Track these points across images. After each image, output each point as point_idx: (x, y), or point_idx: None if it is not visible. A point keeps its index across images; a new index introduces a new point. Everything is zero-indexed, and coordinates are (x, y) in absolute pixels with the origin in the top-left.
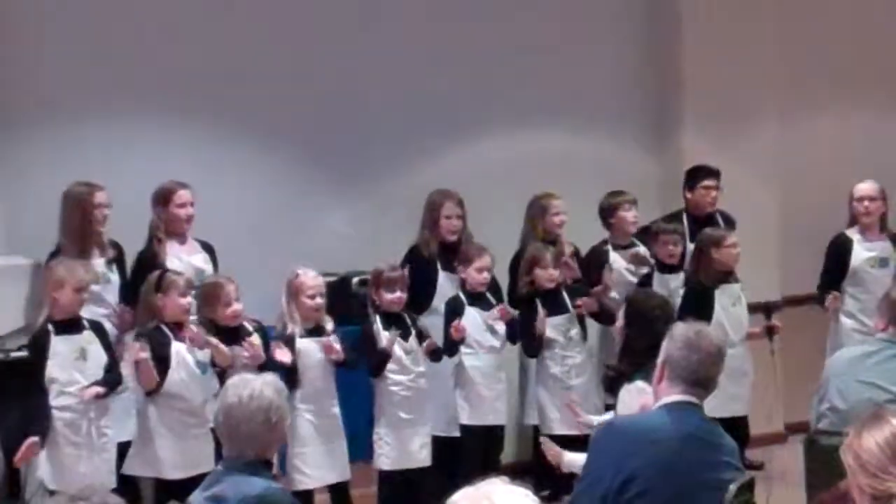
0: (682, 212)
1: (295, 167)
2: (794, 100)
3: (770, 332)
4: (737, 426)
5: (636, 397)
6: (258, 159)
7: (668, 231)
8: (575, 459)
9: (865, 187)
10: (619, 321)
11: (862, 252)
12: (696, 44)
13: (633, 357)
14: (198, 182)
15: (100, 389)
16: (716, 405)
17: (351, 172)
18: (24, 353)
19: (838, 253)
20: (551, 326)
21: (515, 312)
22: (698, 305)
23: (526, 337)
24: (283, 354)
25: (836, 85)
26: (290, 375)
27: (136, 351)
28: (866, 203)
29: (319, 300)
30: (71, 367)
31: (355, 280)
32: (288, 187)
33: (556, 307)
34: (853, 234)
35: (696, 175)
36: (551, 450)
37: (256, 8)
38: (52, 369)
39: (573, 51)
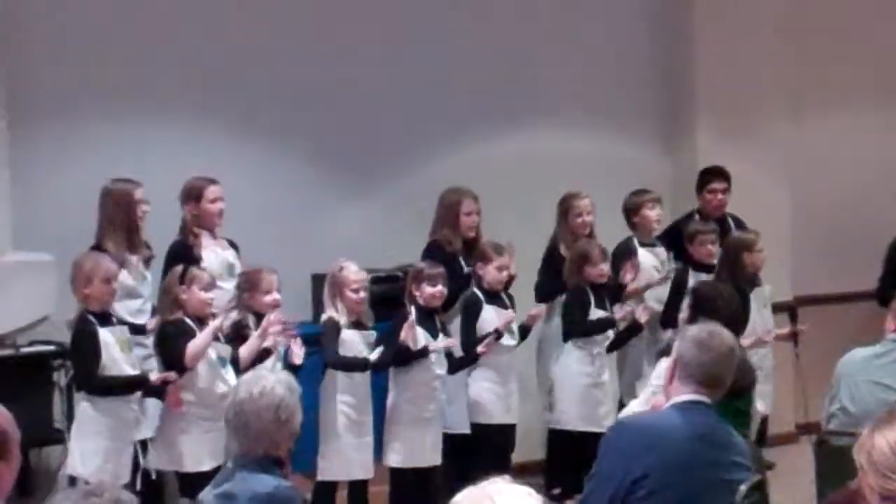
0: (695, 213)
1: (307, 166)
2: (807, 100)
3: (795, 336)
4: (760, 425)
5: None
6: (271, 159)
7: (706, 231)
8: None
9: None
10: (683, 314)
11: None
12: (710, 43)
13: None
14: (220, 180)
15: (171, 375)
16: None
17: (363, 172)
18: (36, 348)
19: None
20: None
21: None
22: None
23: (579, 319)
24: (297, 359)
25: (850, 85)
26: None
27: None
28: None
29: (363, 294)
30: (119, 358)
31: (370, 277)
32: (300, 186)
33: (600, 304)
34: None
35: (705, 178)
36: None
37: (270, 9)
38: (105, 362)
39: (588, 50)
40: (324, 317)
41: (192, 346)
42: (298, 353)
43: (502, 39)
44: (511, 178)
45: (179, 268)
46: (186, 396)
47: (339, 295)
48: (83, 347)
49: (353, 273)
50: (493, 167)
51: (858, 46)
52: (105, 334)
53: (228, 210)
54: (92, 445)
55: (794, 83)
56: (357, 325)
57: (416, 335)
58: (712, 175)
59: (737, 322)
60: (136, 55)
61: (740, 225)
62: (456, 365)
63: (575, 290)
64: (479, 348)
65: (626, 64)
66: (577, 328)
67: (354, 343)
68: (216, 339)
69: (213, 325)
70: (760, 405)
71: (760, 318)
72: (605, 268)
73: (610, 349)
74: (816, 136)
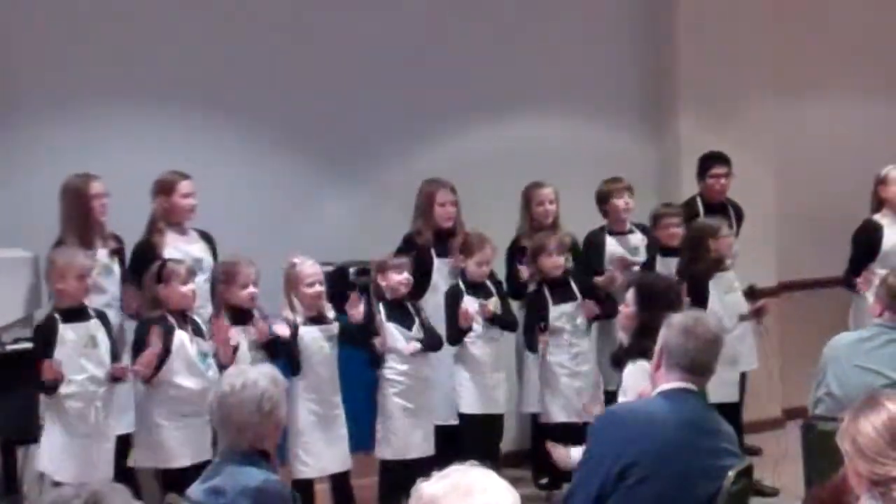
0: (696, 198)
1: (290, 158)
2: (790, 84)
3: (758, 313)
4: (729, 412)
5: (643, 375)
6: (254, 150)
7: (669, 214)
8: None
9: None
10: (630, 306)
11: (892, 236)
12: (691, 29)
13: (650, 337)
14: (195, 173)
15: (137, 368)
16: (713, 391)
17: (347, 162)
18: (20, 346)
19: (869, 239)
20: (559, 314)
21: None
22: (692, 294)
23: (529, 331)
24: (282, 329)
25: (833, 68)
26: (291, 359)
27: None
28: None
29: (319, 288)
30: (80, 354)
31: (352, 269)
32: (283, 178)
33: (564, 295)
34: (881, 218)
35: (706, 163)
36: (557, 452)
37: (248, 1)
38: (61, 358)
39: (568, 39)
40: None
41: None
42: (283, 328)
43: (482, 30)
44: (494, 169)
45: (156, 265)
46: (164, 392)
47: (294, 291)
48: (37, 347)
49: (308, 267)
50: (476, 158)
51: (841, 34)
52: (67, 332)
53: (208, 205)
54: (58, 443)
55: (778, 70)
56: (317, 319)
57: (360, 310)
58: (714, 160)
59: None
60: (111, 51)
61: (739, 212)
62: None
63: (531, 294)
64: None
65: (608, 52)
66: (530, 338)
67: (314, 339)
68: (198, 335)
69: (187, 344)
70: (722, 393)
71: (721, 305)
72: (561, 260)
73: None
74: (799, 120)
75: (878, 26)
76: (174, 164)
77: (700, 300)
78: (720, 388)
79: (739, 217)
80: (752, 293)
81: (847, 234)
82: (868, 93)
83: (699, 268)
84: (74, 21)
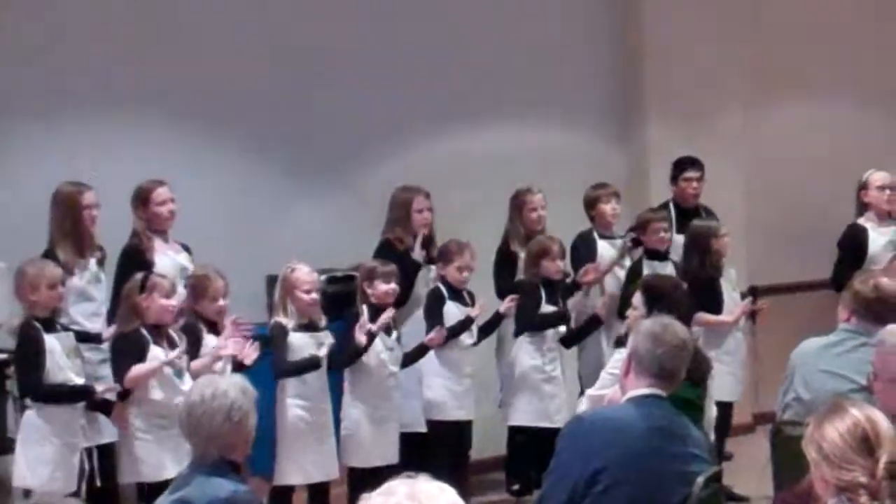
0: (669, 203)
1: (261, 167)
2: (759, 91)
3: (754, 314)
4: (726, 413)
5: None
6: (228, 159)
7: (658, 218)
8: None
9: (886, 176)
10: (638, 310)
11: (878, 238)
12: (662, 36)
13: None
14: (175, 183)
15: (115, 387)
16: (728, 388)
17: (321, 170)
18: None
19: (856, 243)
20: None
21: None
22: (707, 296)
23: (530, 315)
24: (248, 358)
25: (804, 75)
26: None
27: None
28: (888, 191)
29: (315, 295)
30: (66, 365)
31: (324, 277)
32: (257, 186)
33: (553, 299)
34: (865, 222)
35: (679, 167)
36: None
37: (227, 13)
38: (49, 369)
39: (540, 46)
40: (272, 321)
41: (136, 371)
42: (251, 354)
43: (455, 38)
44: (472, 175)
45: (140, 275)
46: (143, 408)
47: (290, 296)
48: (27, 354)
49: (305, 274)
50: (449, 165)
51: (812, 40)
52: (51, 341)
53: (183, 212)
54: (39, 454)
55: (748, 77)
56: (309, 326)
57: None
58: (687, 164)
59: (690, 312)
60: (91, 59)
61: (711, 215)
62: (408, 358)
63: (526, 284)
64: (427, 338)
65: (578, 58)
66: (527, 323)
67: (306, 346)
68: (173, 349)
69: (163, 359)
70: (729, 392)
71: (732, 301)
72: (563, 264)
73: (569, 344)
74: (768, 127)
75: (851, 34)
76: (151, 173)
77: (712, 301)
78: (734, 386)
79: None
80: (753, 293)
81: (817, 240)
82: (839, 99)
83: (707, 269)
84: (52, 32)
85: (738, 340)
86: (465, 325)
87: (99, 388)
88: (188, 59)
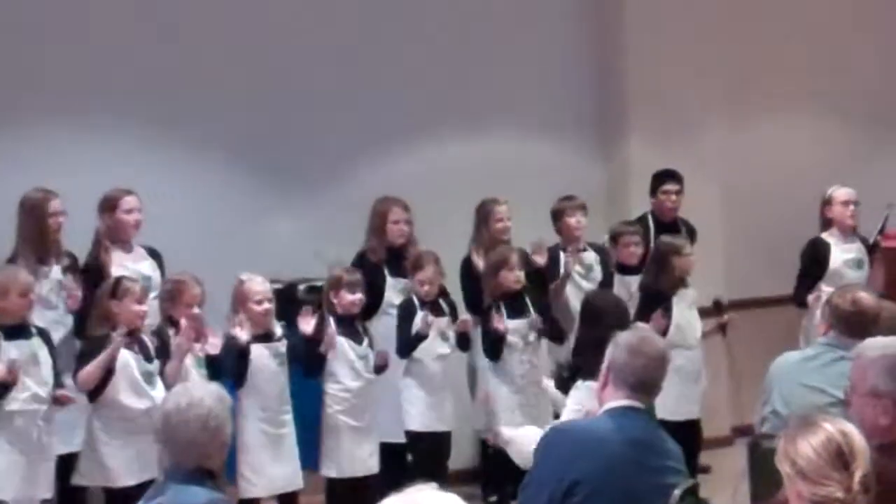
0: (647, 216)
1: (241, 175)
2: (737, 107)
3: (723, 327)
4: (691, 429)
5: (589, 396)
6: (205, 168)
7: (628, 232)
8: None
9: (849, 192)
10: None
11: (840, 255)
12: (642, 51)
13: (583, 355)
14: (146, 190)
15: (71, 395)
16: (673, 408)
17: (297, 181)
18: None
19: (816, 257)
20: (512, 330)
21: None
22: (656, 309)
23: (487, 339)
24: (213, 347)
25: (782, 91)
26: (238, 372)
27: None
28: (851, 206)
29: (268, 305)
30: (23, 372)
31: (302, 287)
32: (234, 195)
33: (518, 311)
34: (828, 237)
35: (658, 180)
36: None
37: (199, 17)
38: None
39: (521, 59)
40: (225, 333)
41: (83, 374)
42: (214, 343)
43: (436, 50)
44: (451, 187)
45: (112, 280)
46: (110, 412)
47: (242, 308)
48: None
49: (257, 284)
50: (433, 177)
51: (789, 55)
52: (9, 348)
53: (159, 219)
54: (3, 464)
55: (727, 92)
56: (264, 337)
57: (335, 343)
58: (665, 177)
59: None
60: (63, 69)
61: (691, 230)
62: (384, 367)
63: (485, 308)
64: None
65: (560, 72)
66: (491, 348)
67: (261, 357)
68: (145, 357)
69: (105, 353)
70: (684, 409)
71: (684, 320)
72: (521, 275)
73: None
74: (749, 144)
75: (827, 52)
76: (125, 181)
77: (665, 316)
78: (684, 406)
79: (692, 235)
80: (717, 307)
81: (794, 253)
82: (815, 116)
83: (663, 285)
84: (28, 38)
85: (687, 358)
86: (418, 338)
87: (59, 392)
88: (166, 71)
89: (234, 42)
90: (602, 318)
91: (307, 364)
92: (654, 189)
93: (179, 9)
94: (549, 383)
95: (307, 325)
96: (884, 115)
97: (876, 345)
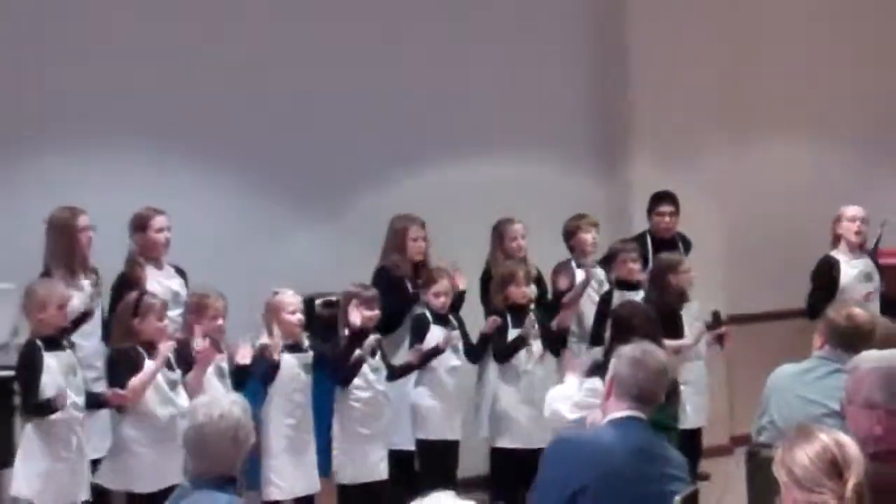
0: (646, 234)
1: (261, 193)
2: (739, 129)
3: (721, 338)
4: (694, 437)
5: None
6: (226, 186)
7: (627, 249)
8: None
9: (857, 209)
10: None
11: (849, 271)
12: (646, 77)
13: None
14: (172, 210)
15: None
16: (685, 417)
17: (314, 201)
18: (2, 373)
19: (827, 276)
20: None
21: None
22: (667, 327)
23: (498, 343)
24: (243, 356)
25: (780, 114)
26: (269, 376)
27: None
28: (858, 223)
29: (299, 316)
30: (63, 382)
31: (318, 302)
32: (254, 213)
33: (518, 325)
34: (838, 254)
35: (654, 201)
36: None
37: (223, 46)
38: (45, 385)
39: (531, 85)
40: (258, 343)
41: (134, 381)
42: (244, 353)
43: (451, 78)
44: (459, 206)
45: (133, 297)
46: (138, 419)
47: (276, 319)
48: (24, 372)
49: (289, 297)
50: (442, 195)
51: (790, 82)
52: (49, 359)
53: (185, 238)
54: (35, 467)
55: (728, 115)
56: (293, 347)
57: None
58: (661, 199)
59: (655, 339)
60: (92, 90)
61: (688, 245)
62: (396, 373)
63: (492, 314)
64: (410, 356)
65: (567, 97)
66: (497, 353)
67: (290, 366)
68: (168, 366)
69: (153, 365)
70: (692, 418)
71: (692, 333)
72: (528, 290)
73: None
74: (749, 165)
75: (825, 76)
76: (152, 201)
77: (672, 331)
78: (694, 414)
79: (687, 248)
80: (716, 320)
81: (793, 270)
82: (813, 138)
83: (666, 301)
84: (54, 66)
85: (698, 369)
86: (434, 352)
87: (105, 393)
88: (192, 98)
89: (255, 69)
90: (634, 329)
91: (345, 373)
92: (651, 210)
93: (201, 40)
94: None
95: (357, 318)
96: (878, 138)
97: (870, 357)
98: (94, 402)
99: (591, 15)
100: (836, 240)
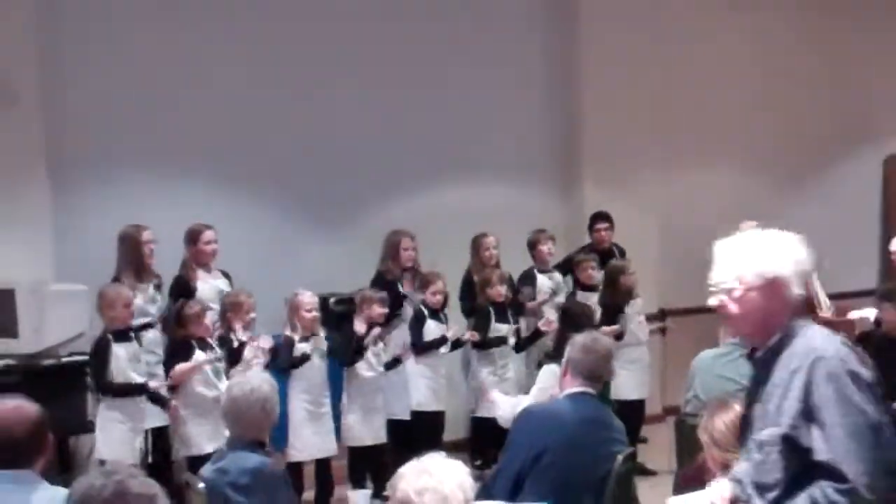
0: (588, 246)
1: (285, 211)
2: (669, 159)
3: (664, 331)
4: (639, 406)
5: (552, 375)
6: (257, 205)
7: (587, 259)
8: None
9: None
10: (555, 324)
11: None
12: (595, 112)
13: (560, 347)
14: (216, 225)
15: (164, 385)
16: (630, 389)
17: (329, 216)
18: (74, 359)
19: None
20: (496, 332)
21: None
22: (614, 320)
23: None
24: (265, 342)
25: (707, 145)
26: (290, 364)
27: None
28: None
29: (315, 313)
30: (128, 367)
31: (332, 300)
32: (280, 228)
33: (502, 318)
34: None
35: (593, 220)
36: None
37: (252, 89)
38: (114, 370)
39: (504, 122)
40: (282, 335)
41: (178, 368)
42: (265, 341)
43: (439, 112)
44: (444, 222)
45: (180, 303)
46: (189, 399)
47: (296, 315)
48: (97, 359)
49: (307, 297)
50: (431, 213)
51: (709, 120)
52: (117, 349)
53: (227, 246)
54: (110, 435)
55: (660, 146)
56: (310, 339)
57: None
58: (598, 217)
59: (594, 328)
60: (154, 124)
61: (622, 253)
62: (389, 365)
63: (478, 308)
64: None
65: (532, 132)
66: (477, 344)
67: (307, 353)
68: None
69: (197, 361)
70: (635, 392)
71: (635, 323)
72: (503, 290)
73: (519, 350)
74: (680, 187)
75: (740, 116)
76: (203, 218)
77: (614, 323)
78: (638, 388)
79: (622, 255)
80: (661, 314)
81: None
82: (728, 164)
83: (616, 299)
84: (119, 106)
85: (641, 352)
86: (441, 342)
87: (152, 384)
88: (234, 134)
89: (283, 109)
90: (578, 321)
91: (351, 357)
92: (591, 227)
93: (245, 86)
94: (498, 395)
95: (361, 327)
96: (787, 166)
97: None
98: (153, 400)
99: (548, 66)
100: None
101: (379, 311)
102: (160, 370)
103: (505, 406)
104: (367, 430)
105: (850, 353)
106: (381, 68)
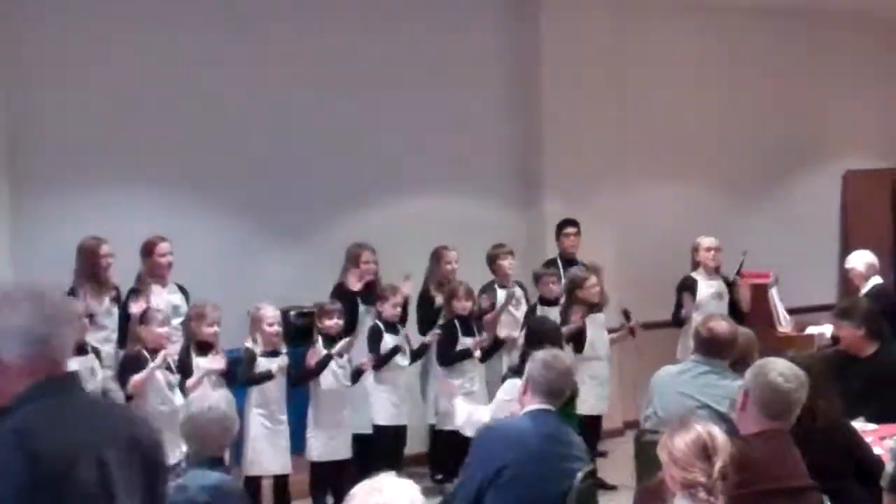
0: (556, 258)
1: (246, 224)
2: (629, 172)
3: (632, 331)
4: (597, 422)
5: (512, 390)
6: (217, 219)
7: (548, 273)
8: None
9: (712, 240)
10: (521, 339)
11: (705, 289)
12: (554, 128)
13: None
14: (172, 237)
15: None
16: (589, 406)
17: (288, 229)
18: None
19: (687, 291)
20: (462, 345)
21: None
22: (573, 333)
23: (445, 350)
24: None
25: (662, 162)
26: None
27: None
28: (713, 252)
29: (277, 327)
30: (85, 381)
31: (293, 313)
32: (240, 240)
33: (467, 330)
34: (697, 275)
35: (561, 225)
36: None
37: (217, 101)
38: None
39: (464, 135)
40: (243, 347)
41: (134, 379)
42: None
43: (398, 127)
44: (403, 236)
45: (139, 309)
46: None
47: (257, 329)
48: None
49: (269, 311)
50: (390, 227)
51: (668, 136)
52: (71, 363)
53: (186, 260)
54: None
55: (616, 162)
56: (273, 353)
57: (320, 355)
58: (566, 223)
59: (559, 345)
60: (109, 139)
61: (584, 266)
62: (355, 377)
63: (445, 325)
64: (361, 363)
65: (492, 146)
66: (445, 358)
67: (268, 368)
68: (168, 369)
69: (150, 367)
70: (594, 408)
71: (597, 338)
72: (468, 304)
73: (483, 359)
74: (637, 202)
75: (696, 132)
76: (155, 230)
77: (579, 337)
78: (598, 403)
79: (595, 270)
80: (626, 316)
81: (670, 288)
82: (686, 180)
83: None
84: (79, 115)
85: (600, 367)
86: (393, 352)
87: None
88: (190, 148)
89: (242, 122)
90: (543, 336)
91: (299, 378)
92: (558, 234)
93: (198, 98)
94: (458, 401)
95: (313, 361)
96: (746, 181)
97: None
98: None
99: (508, 80)
100: (696, 264)
101: (328, 322)
102: (115, 384)
103: (462, 413)
104: (332, 446)
105: None
106: (341, 81)
